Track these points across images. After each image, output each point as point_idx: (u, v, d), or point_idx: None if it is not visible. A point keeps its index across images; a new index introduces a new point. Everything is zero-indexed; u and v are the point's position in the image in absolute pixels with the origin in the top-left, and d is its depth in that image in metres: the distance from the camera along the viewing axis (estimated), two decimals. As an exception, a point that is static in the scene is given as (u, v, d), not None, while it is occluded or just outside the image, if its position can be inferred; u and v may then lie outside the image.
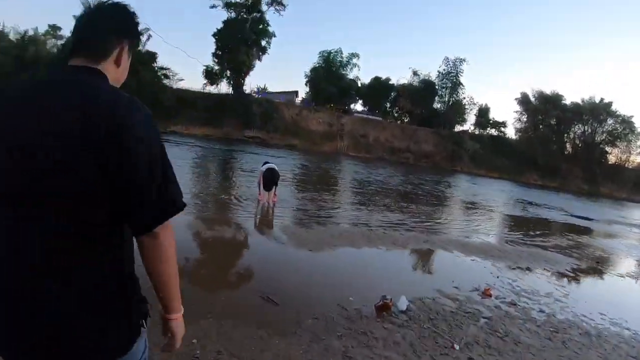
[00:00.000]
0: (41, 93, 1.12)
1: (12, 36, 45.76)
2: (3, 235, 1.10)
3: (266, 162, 9.52)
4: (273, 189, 9.35)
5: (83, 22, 1.24)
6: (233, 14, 44.23)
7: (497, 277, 6.24)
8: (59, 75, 1.20)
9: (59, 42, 44.87)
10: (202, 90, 43.70)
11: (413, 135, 50.51)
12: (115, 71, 1.28)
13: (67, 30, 44.62)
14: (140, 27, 1.37)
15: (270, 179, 9.17)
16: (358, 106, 57.12)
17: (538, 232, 11.67)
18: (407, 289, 4.85)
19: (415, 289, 5.08)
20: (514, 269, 6.96)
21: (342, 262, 6.08)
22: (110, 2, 1.26)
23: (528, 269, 7.14)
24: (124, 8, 1.28)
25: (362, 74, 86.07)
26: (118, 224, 1.14)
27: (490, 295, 5.26)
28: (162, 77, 41.99)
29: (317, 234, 7.25)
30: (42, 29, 47.78)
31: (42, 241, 1.08)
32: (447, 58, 53.82)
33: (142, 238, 1.11)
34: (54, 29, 45.39)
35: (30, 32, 45.45)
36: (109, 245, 1.14)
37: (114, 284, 1.15)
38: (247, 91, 44.48)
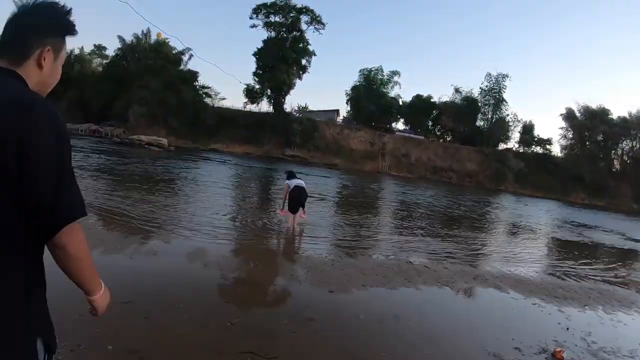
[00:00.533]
0: None
1: (59, 55, 46.92)
2: None
3: (291, 173, 8.58)
4: (300, 211, 8.33)
5: (7, 23, 1.21)
6: (273, 34, 44.10)
7: (567, 328, 4.94)
8: None
9: (104, 62, 45.43)
10: (242, 109, 43.28)
11: (455, 154, 48.40)
12: (39, 74, 1.22)
13: (111, 50, 45.38)
14: (70, 27, 1.28)
15: (297, 200, 8.12)
16: (399, 125, 55.64)
17: (601, 262, 10.13)
18: (452, 351, 3.76)
19: (462, 352, 3.81)
20: (584, 314, 5.66)
21: (365, 309, 4.58)
22: (35, 1, 1.22)
23: (601, 314, 5.73)
24: (46, 6, 1.23)
25: (403, 91, 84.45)
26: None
27: (563, 360, 3.93)
28: (204, 95, 41.88)
29: (346, 267, 6.09)
30: (88, 48, 49.20)
31: None
32: (490, 74, 51.79)
33: (49, 243, 1.15)
34: (99, 48, 46.31)
35: (76, 52, 46.42)
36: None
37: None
38: (288, 110, 44.11)
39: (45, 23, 1.23)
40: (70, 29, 1.29)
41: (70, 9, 1.28)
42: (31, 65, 1.20)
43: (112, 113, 39.55)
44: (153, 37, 43.64)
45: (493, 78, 51.32)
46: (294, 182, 8.19)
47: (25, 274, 1.14)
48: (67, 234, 1.13)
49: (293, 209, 8.04)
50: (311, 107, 48.90)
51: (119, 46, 43.83)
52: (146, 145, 32.52)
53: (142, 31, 44.08)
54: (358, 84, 49.61)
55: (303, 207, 8.33)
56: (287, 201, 8.13)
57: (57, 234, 1.12)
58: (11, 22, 1.21)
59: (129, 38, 43.91)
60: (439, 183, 39.90)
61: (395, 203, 17.50)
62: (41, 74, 1.22)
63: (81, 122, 40.09)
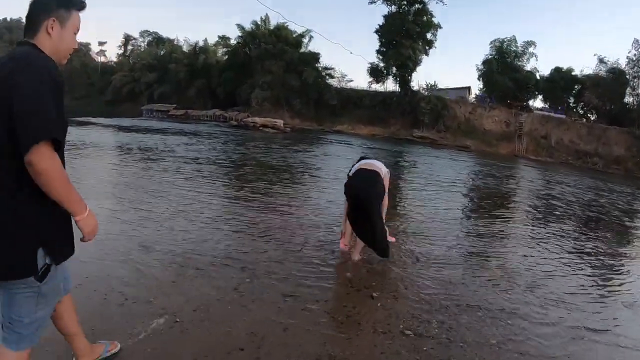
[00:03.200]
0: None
1: (185, 48, 49.40)
2: None
3: (362, 159, 4.41)
4: (368, 227, 4.02)
5: (29, 5, 1.57)
6: (393, 8, 41.15)
7: None
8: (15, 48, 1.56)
9: (227, 50, 46.39)
10: (367, 89, 41.15)
11: (602, 136, 41.02)
12: (50, 40, 1.56)
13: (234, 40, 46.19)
14: (71, 1, 1.61)
15: (358, 204, 3.98)
16: (537, 102, 49.05)
17: None
18: None
19: None
20: None
21: None
22: None
23: None
24: None
25: (540, 64, 74.61)
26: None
27: None
28: (327, 76, 40.59)
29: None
30: (213, 39, 51.04)
31: None
32: (638, 40, 42.82)
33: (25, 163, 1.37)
34: (223, 39, 47.16)
35: (201, 43, 48.19)
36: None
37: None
38: (415, 88, 40.73)
39: (50, 1, 1.56)
40: (72, 3, 1.61)
41: None
42: (43, 35, 1.55)
43: (238, 98, 40.00)
44: (272, 23, 43.45)
45: (643, 45, 42.45)
46: (358, 165, 4.25)
47: (28, 190, 1.44)
48: (34, 153, 1.34)
49: (355, 224, 4.13)
50: (440, 85, 45.01)
51: (240, 34, 44.24)
52: (260, 128, 31.99)
53: (261, 17, 44.20)
54: (490, 57, 44.37)
55: (369, 213, 3.92)
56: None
57: (26, 153, 1.34)
58: (29, 6, 1.57)
59: (248, 26, 44.16)
60: (582, 170, 33.45)
61: (535, 198, 12.23)
62: (52, 40, 1.56)
63: (208, 109, 41.16)
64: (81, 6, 1.65)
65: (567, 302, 4.09)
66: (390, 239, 4.57)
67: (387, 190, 4.15)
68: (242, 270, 3.88)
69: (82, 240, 1.59)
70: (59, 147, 1.44)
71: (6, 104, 1.37)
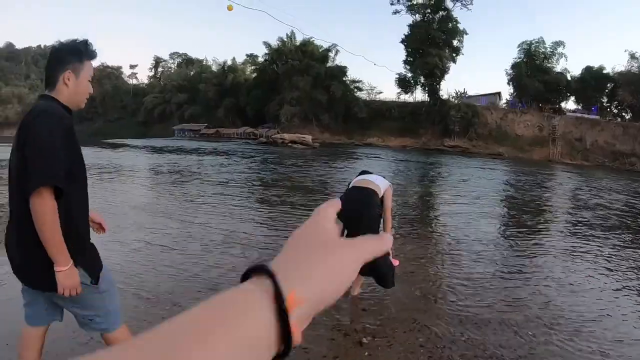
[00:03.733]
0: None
1: (214, 67, 50.45)
2: None
3: (362, 173, 3.91)
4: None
5: (47, 61, 1.81)
6: (418, 17, 41.12)
7: None
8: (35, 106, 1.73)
9: (255, 68, 47.15)
10: (395, 100, 41.11)
11: (638, 135, 39.69)
12: (67, 90, 1.74)
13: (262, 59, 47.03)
14: (83, 53, 1.77)
15: (351, 228, 3.11)
16: (570, 104, 47.91)
17: None
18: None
19: None
20: None
21: None
22: (54, 45, 1.80)
23: None
24: (67, 43, 1.77)
25: (570, 64, 72.54)
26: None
27: None
28: (355, 89, 40.73)
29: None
30: (241, 58, 52.01)
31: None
32: None
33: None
34: (251, 57, 48.03)
35: (229, 62, 49.08)
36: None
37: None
38: (444, 97, 40.47)
39: (65, 54, 1.74)
40: (84, 54, 1.77)
41: (86, 40, 1.80)
42: (61, 86, 1.73)
43: (267, 115, 40.56)
44: (298, 40, 43.97)
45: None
46: (357, 180, 3.77)
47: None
48: (34, 196, 1.53)
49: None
50: (470, 92, 44.77)
51: (266, 52, 44.98)
52: (289, 144, 32.30)
53: (287, 34, 44.82)
54: (518, 60, 43.69)
55: (371, 229, 3.42)
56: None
57: (29, 195, 1.53)
58: (47, 61, 1.79)
59: (275, 43, 44.85)
60: (620, 172, 32.19)
61: (571, 207, 10.43)
62: (69, 90, 1.74)
63: (238, 127, 41.87)
64: (93, 56, 1.81)
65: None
66: (394, 262, 3.69)
67: (389, 206, 3.63)
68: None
69: (57, 292, 1.66)
70: (61, 193, 1.58)
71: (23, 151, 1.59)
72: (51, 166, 1.55)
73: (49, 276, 1.63)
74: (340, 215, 1.96)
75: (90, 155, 18.56)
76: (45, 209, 1.54)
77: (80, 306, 1.79)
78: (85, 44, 1.79)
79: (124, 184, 10.40)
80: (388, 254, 3.17)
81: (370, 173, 3.85)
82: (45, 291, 1.73)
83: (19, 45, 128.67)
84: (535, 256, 5.42)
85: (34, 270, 1.71)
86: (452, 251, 5.44)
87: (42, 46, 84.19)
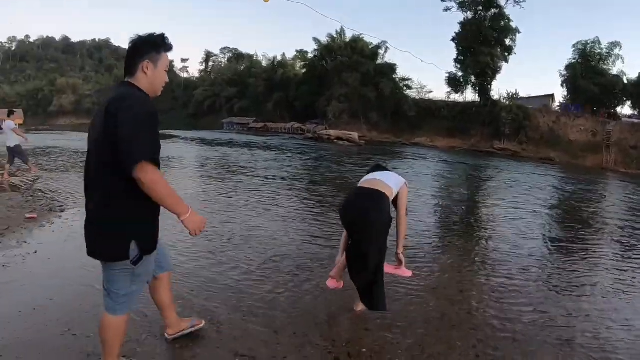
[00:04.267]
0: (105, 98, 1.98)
1: (264, 62, 51.58)
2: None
3: (377, 168, 3.40)
4: (360, 265, 2.94)
5: (127, 52, 2.00)
6: (469, 14, 40.53)
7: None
8: (114, 86, 2.03)
9: (304, 63, 47.90)
10: (445, 99, 40.82)
11: None
12: (146, 78, 1.93)
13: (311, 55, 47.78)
14: (159, 45, 1.97)
15: (354, 233, 2.96)
16: (626, 109, 46.10)
17: None
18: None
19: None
20: None
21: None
22: (139, 35, 2.00)
23: None
24: (146, 36, 1.98)
25: (627, 67, 68.69)
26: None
27: None
28: (404, 88, 40.72)
29: None
30: (291, 54, 52.94)
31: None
32: None
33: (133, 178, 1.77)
34: (301, 53, 48.85)
35: (279, 58, 50.11)
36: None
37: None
38: (495, 97, 39.76)
39: (143, 46, 1.95)
40: (161, 47, 1.97)
41: (163, 34, 2.02)
42: (140, 75, 1.93)
43: (316, 111, 41.19)
44: (348, 36, 44.31)
45: None
46: (366, 179, 3.19)
47: (124, 198, 1.85)
48: (139, 171, 1.73)
49: (352, 266, 3.03)
50: (522, 94, 43.62)
51: (316, 47, 45.62)
52: (335, 140, 32.53)
53: (336, 30, 45.22)
54: (573, 61, 42.30)
55: (366, 246, 2.87)
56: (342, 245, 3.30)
57: (132, 171, 1.73)
58: (127, 51, 2.00)
59: (324, 39, 45.43)
60: None
61: (624, 228, 7.95)
62: (147, 78, 1.94)
63: (287, 122, 42.73)
64: (169, 48, 2.00)
65: None
66: (405, 272, 3.23)
67: (404, 205, 3.14)
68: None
69: (190, 235, 1.95)
70: (157, 164, 1.80)
71: (113, 133, 1.73)
72: (146, 143, 1.75)
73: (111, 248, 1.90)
74: (343, 222, 2.97)
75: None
76: (155, 176, 1.76)
77: (111, 278, 1.99)
78: (162, 37, 1.99)
79: (178, 176, 10.49)
80: (382, 276, 2.93)
81: (384, 168, 3.37)
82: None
83: (75, 38, 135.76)
84: (591, 277, 4.62)
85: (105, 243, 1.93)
86: (491, 263, 4.82)
87: (97, 39, 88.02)
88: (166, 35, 2.02)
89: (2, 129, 11.35)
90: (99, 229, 1.89)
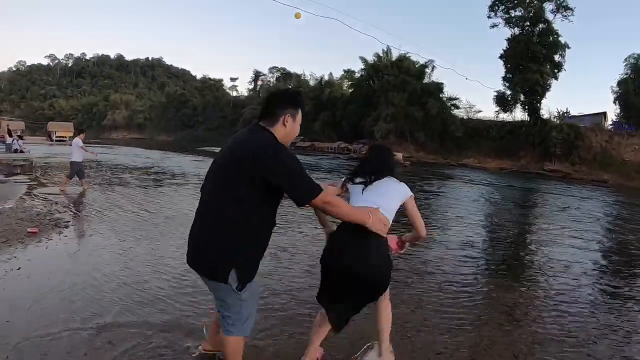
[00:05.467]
0: (234, 139, 2.19)
1: (311, 82, 53.03)
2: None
3: (369, 165, 2.68)
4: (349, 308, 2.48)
5: (266, 100, 2.21)
6: (516, 30, 40.20)
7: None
8: (247, 129, 2.18)
9: (351, 83, 48.94)
10: (494, 119, 40.61)
11: None
12: (284, 130, 2.11)
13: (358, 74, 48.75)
14: (299, 103, 2.22)
15: (341, 277, 2.35)
16: (684, 126, 44.18)
17: None
18: None
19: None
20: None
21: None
22: (281, 90, 2.46)
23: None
24: (288, 93, 2.28)
25: None
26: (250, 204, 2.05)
27: None
28: (452, 107, 40.90)
29: None
30: (338, 73, 54.06)
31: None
32: None
33: (310, 206, 2.04)
34: (348, 72, 50.01)
35: (326, 77, 51.43)
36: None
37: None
38: (545, 116, 39.12)
39: (288, 100, 2.17)
40: (299, 104, 2.19)
41: (299, 92, 2.49)
42: (279, 126, 2.10)
43: (362, 131, 41.96)
44: (394, 55, 44.99)
45: None
46: (354, 198, 2.51)
47: (237, 230, 2.03)
48: (316, 202, 2.00)
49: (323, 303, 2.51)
50: (573, 112, 42.93)
51: (362, 67, 46.55)
52: None
53: (383, 50, 46.00)
54: (625, 76, 41.05)
55: (368, 296, 2.46)
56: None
57: (309, 204, 1.99)
58: (267, 100, 2.19)
59: (371, 58, 46.30)
60: None
61: None
62: (285, 130, 2.11)
63: (333, 141, 43.75)
64: (302, 106, 2.21)
65: None
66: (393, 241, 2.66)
67: (413, 216, 2.51)
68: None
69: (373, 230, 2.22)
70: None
71: (262, 172, 1.93)
72: (306, 181, 1.97)
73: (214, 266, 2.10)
74: (325, 261, 2.48)
75: (191, 165, 20.50)
76: (332, 201, 2.06)
77: (222, 303, 2.18)
78: (300, 95, 2.27)
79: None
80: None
81: (382, 168, 2.58)
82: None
83: (129, 57, 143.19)
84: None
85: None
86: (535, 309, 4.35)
87: (150, 58, 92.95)
88: (301, 92, 2.49)
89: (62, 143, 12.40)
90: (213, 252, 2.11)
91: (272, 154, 1.95)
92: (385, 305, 2.59)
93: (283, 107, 2.11)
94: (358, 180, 2.56)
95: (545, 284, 5.29)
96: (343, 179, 2.67)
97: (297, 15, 16.66)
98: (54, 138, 45.46)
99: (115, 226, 6.55)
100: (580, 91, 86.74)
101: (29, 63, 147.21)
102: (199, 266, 2.14)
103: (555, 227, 9.95)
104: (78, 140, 10.00)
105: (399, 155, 34.09)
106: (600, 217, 12.89)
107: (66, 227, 6.21)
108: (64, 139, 44.54)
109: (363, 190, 2.47)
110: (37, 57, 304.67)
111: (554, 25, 38.93)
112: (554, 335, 3.67)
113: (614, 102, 41.77)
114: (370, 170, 2.57)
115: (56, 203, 8.19)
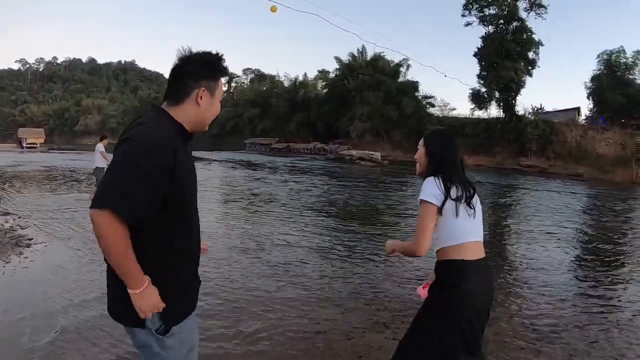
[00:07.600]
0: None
1: (285, 83, 52.31)
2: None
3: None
4: None
5: (172, 71, 1.52)
6: (491, 28, 40.35)
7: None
8: (144, 114, 1.55)
9: (325, 83, 48.41)
10: (469, 116, 40.57)
11: None
12: (197, 109, 1.51)
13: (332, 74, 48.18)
14: (220, 71, 1.54)
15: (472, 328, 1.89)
16: (656, 119, 45.00)
17: None
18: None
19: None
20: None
21: None
22: (192, 54, 1.52)
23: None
24: (200, 55, 1.52)
25: None
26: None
27: None
28: (427, 105, 40.72)
29: None
30: (312, 74, 53.52)
31: None
32: None
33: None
34: (322, 73, 49.39)
35: (300, 78, 50.80)
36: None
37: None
38: (520, 113, 39.33)
39: (198, 68, 1.49)
40: (221, 73, 1.55)
41: (221, 56, 1.54)
42: (190, 105, 1.50)
43: (338, 130, 41.49)
44: (369, 54, 44.60)
45: None
46: (459, 228, 1.91)
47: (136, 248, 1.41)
48: (95, 216, 1.33)
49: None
50: (547, 108, 43.03)
51: (337, 67, 46.04)
52: (357, 160, 32.50)
53: (357, 49, 45.57)
54: (598, 72, 41.56)
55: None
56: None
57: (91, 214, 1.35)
58: (173, 71, 1.52)
59: (345, 58, 45.81)
60: None
61: None
62: (199, 109, 1.51)
63: (309, 142, 43.12)
64: (226, 74, 1.57)
65: None
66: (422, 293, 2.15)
67: (417, 238, 1.96)
68: None
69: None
70: (132, 222, 1.35)
71: None
72: (117, 191, 1.34)
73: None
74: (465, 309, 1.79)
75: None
76: (110, 232, 1.34)
77: (141, 353, 1.56)
78: (220, 58, 1.54)
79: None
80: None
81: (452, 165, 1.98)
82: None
83: (101, 60, 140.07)
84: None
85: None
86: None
87: (122, 61, 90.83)
88: (223, 56, 1.56)
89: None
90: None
91: (127, 137, 1.42)
92: None
93: (196, 78, 1.50)
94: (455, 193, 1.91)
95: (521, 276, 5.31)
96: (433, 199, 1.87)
97: (273, 9, 15.91)
98: (24, 145, 43.99)
99: (86, 242, 5.74)
100: (554, 87, 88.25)
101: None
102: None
103: (533, 220, 10.20)
104: (100, 146, 9.86)
105: (377, 155, 33.68)
106: (579, 209, 13.37)
107: (28, 246, 5.50)
108: (34, 145, 42.83)
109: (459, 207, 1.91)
110: (7, 62, 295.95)
111: (527, 23, 39.31)
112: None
113: (588, 98, 42.38)
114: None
115: (19, 217, 7.32)
